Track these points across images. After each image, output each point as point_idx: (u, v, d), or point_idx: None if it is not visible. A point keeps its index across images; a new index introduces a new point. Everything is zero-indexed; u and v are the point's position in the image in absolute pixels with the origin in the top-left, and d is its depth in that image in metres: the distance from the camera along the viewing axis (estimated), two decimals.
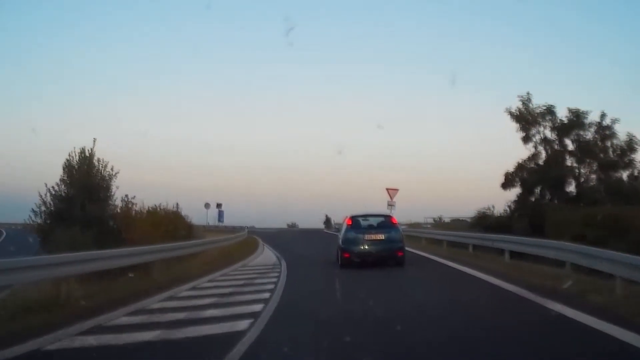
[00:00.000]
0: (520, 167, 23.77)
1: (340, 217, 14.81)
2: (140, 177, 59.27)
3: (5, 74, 59.43)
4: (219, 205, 42.01)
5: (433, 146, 69.37)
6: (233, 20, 63.93)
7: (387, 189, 26.71)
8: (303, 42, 62.53)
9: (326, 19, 63.58)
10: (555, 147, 23.55)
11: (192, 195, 59.02)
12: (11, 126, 65.17)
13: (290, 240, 28.55)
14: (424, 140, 70.88)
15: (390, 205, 26.20)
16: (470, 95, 64.06)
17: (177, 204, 20.57)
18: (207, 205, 44.03)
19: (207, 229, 39.56)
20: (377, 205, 26.93)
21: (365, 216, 14.35)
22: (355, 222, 13.82)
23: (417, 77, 67.49)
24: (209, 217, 43.66)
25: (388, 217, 14.12)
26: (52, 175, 16.84)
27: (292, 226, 52.08)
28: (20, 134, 71.35)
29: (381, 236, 13.28)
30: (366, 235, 13.31)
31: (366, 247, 13.14)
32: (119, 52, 63.66)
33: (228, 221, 43.26)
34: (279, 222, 52.10)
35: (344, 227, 13.90)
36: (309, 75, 73.51)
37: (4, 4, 46.59)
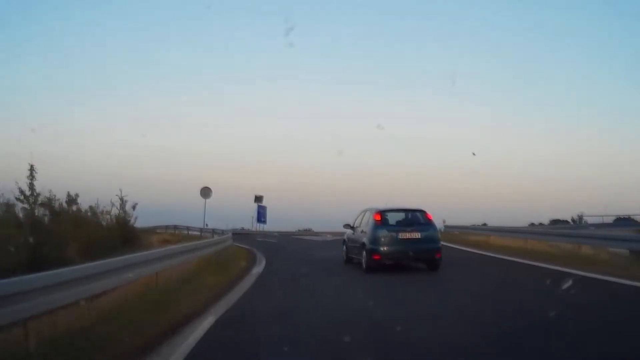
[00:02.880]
0: None
1: None
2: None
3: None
4: (258, 199, 29.27)
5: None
6: (233, 20, 60.73)
7: None
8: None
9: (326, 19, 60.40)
10: None
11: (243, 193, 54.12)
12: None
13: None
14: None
15: None
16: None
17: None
18: (204, 193, 25.30)
19: (191, 236, 25.70)
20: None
21: (395, 210, 12.28)
22: (384, 218, 11.77)
23: None
24: (208, 216, 26.36)
25: (422, 212, 11.98)
26: None
27: None
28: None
29: (417, 234, 11.34)
30: (400, 234, 11.33)
31: (401, 247, 11.18)
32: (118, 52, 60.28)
33: (274, 224, 29.82)
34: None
35: (371, 223, 11.75)
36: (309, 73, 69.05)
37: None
